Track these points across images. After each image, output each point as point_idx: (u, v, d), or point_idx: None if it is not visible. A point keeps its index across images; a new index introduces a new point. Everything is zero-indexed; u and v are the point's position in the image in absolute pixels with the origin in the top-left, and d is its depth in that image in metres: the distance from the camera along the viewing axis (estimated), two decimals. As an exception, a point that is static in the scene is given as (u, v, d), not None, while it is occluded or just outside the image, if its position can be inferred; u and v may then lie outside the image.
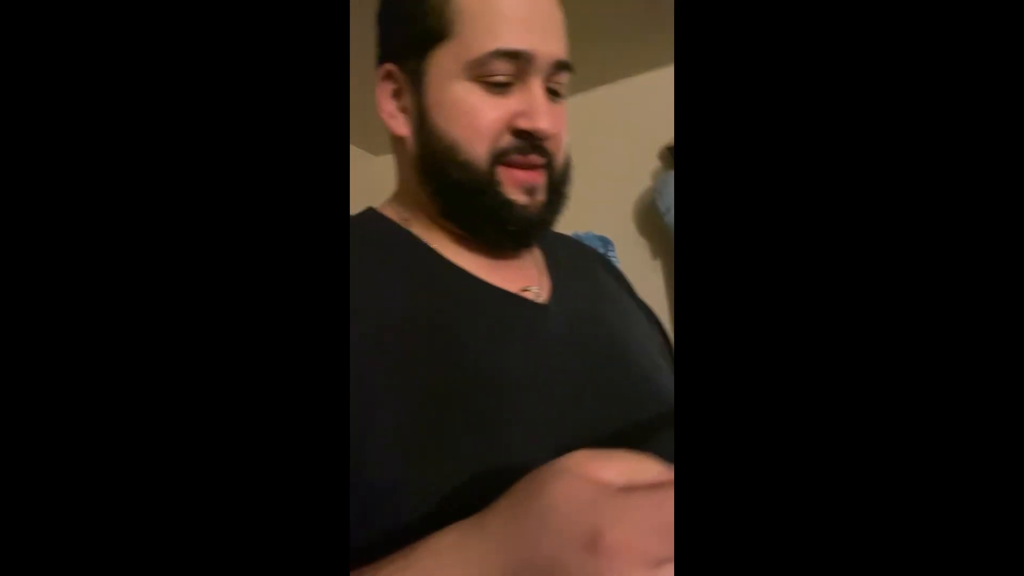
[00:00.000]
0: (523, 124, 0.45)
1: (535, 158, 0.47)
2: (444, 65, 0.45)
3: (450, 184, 0.47)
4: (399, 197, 0.54)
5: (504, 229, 0.48)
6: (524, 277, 0.52)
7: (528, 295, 0.50)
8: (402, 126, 0.50)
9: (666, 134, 1.63)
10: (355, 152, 2.43)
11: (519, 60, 0.44)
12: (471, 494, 0.32)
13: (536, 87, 0.46)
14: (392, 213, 0.53)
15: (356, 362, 0.36)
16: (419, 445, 0.37)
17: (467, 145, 0.46)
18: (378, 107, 0.50)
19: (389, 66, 0.49)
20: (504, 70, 0.45)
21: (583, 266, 0.60)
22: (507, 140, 0.46)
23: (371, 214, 0.53)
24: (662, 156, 1.70)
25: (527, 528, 0.26)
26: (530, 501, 0.26)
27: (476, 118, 0.45)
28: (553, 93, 0.48)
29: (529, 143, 0.46)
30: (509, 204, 0.47)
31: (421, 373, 0.40)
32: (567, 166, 0.51)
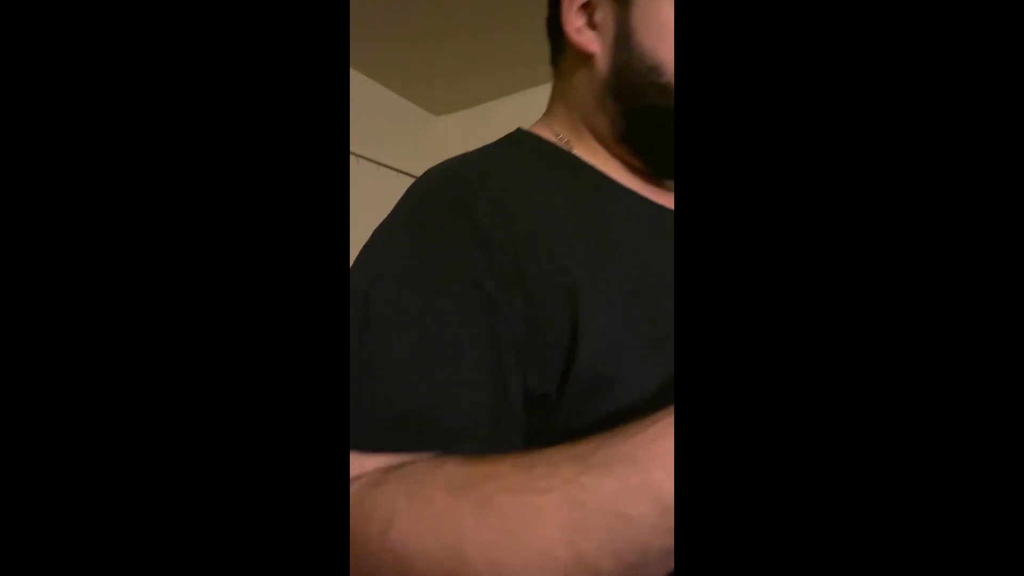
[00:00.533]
0: None
1: None
2: None
3: (645, 107, 0.46)
4: (556, 118, 0.53)
5: None
6: None
7: None
8: (593, 42, 0.48)
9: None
10: (418, 112, 2.47)
11: None
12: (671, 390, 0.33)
13: None
14: (548, 134, 0.52)
15: (551, 266, 0.38)
16: (629, 344, 0.39)
17: (669, 68, 0.45)
18: (563, 21, 0.49)
19: None
20: None
21: None
22: None
23: (524, 136, 0.52)
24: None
25: None
26: None
27: None
28: None
29: None
30: None
31: (619, 284, 0.41)
32: None
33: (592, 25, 0.48)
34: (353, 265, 0.40)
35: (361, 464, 0.33)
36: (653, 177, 0.51)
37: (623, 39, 0.46)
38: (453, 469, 0.32)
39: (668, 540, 0.28)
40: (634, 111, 0.47)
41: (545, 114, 0.55)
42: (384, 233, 0.42)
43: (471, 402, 0.36)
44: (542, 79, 2.10)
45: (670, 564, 0.29)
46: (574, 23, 0.48)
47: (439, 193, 0.43)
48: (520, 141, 0.51)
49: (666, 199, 0.51)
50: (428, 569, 0.29)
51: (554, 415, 0.38)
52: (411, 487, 0.31)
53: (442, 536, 0.30)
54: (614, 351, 0.38)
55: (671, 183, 0.52)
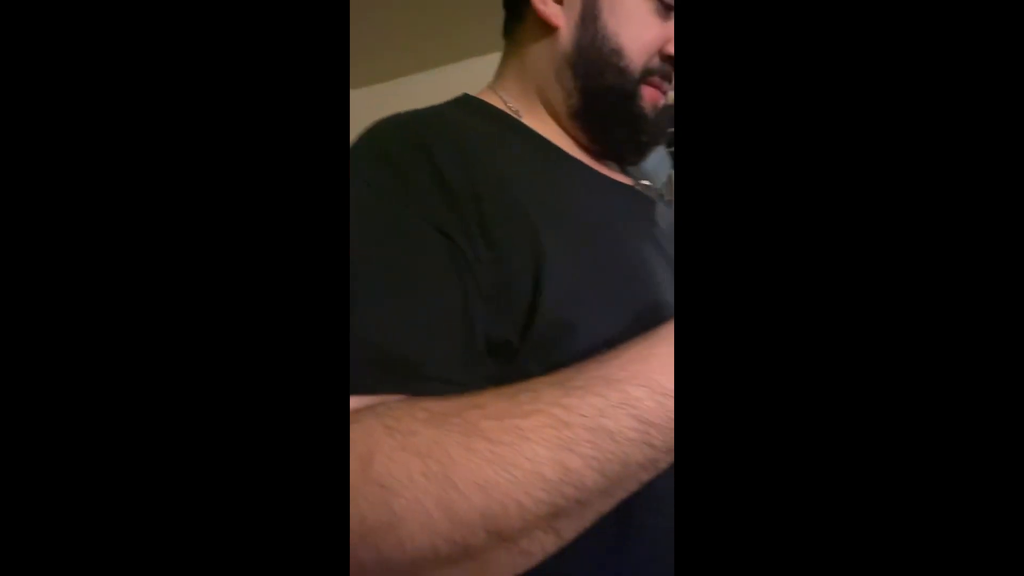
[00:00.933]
0: (672, 51, 0.49)
1: (667, 84, 0.51)
2: None
3: (602, 87, 0.49)
4: (506, 86, 0.54)
5: (635, 139, 0.52)
6: (622, 180, 0.55)
7: (637, 188, 0.55)
8: (559, 16, 0.49)
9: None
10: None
11: None
12: (631, 333, 0.35)
13: None
14: (497, 102, 0.52)
15: (513, 216, 0.40)
16: (588, 294, 0.41)
17: (630, 55, 0.48)
18: None
19: None
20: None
21: (646, 173, 0.64)
22: (655, 61, 0.49)
23: (472, 100, 0.52)
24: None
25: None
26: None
27: (645, 32, 0.48)
28: None
29: (670, 68, 0.50)
30: (644, 116, 0.51)
31: (577, 239, 0.43)
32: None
33: (559, 0, 0.50)
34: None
35: None
36: (598, 156, 0.54)
37: (589, 18, 0.48)
38: (431, 404, 0.33)
39: (647, 452, 0.30)
40: (591, 89, 0.49)
41: (493, 83, 0.55)
42: (355, 171, 0.41)
43: (442, 346, 0.36)
44: (448, 60, 2.10)
45: (646, 476, 0.31)
46: None
47: (399, 141, 0.43)
48: (468, 104, 0.52)
49: (604, 169, 0.53)
50: (415, 497, 0.29)
51: (516, 361, 0.39)
52: (389, 421, 0.32)
53: (428, 463, 0.30)
54: (574, 299, 0.40)
55: (613, 164, 0.55)
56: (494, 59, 0.57)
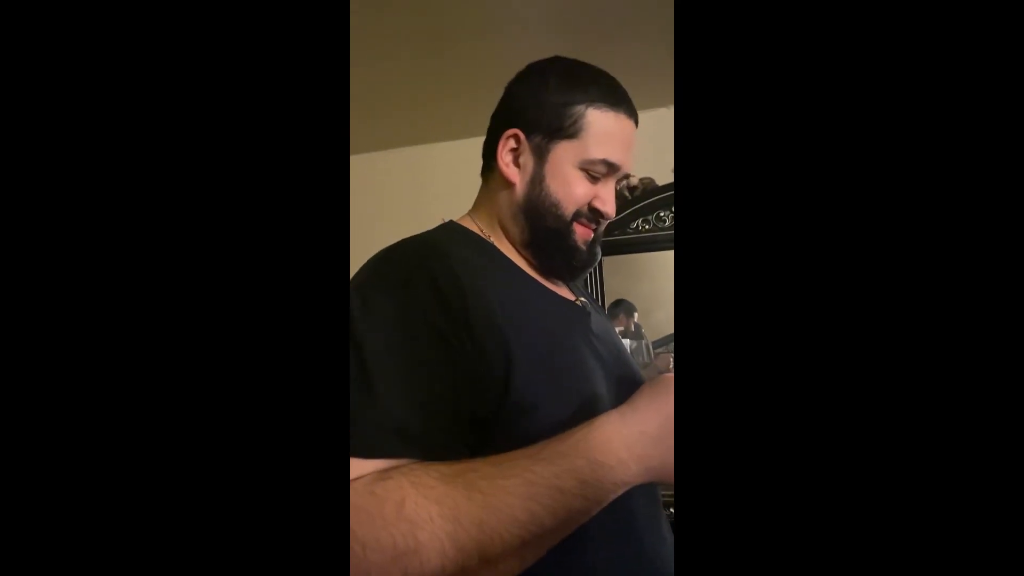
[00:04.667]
0: (598, 205, 0.70)
1: (594, 224, 0.71)
2: (565, 153, 0.68)
3: (544, 227, 0.69)
4: (480, 216, 0.74)
5: (569, 264, 0.71)
6: (566, 295, 0.74)
7: (578, 304, 0.74)
8: (515, 175, 0.70)
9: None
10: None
11: (611, 167, 0.69)
12: (589, 412, 0.52)
13: (611, 184, 0.71)
14: (473, 227, 0.73)
15: (490, 322, 0.55)
16: (545, 381, 0.56)
17: (564, 206, 0.69)
18: (497, 154, 0.71)
19: (515, 131, 0.70)
20: (601, 170, 0.69)
21: (583, 292, 0.85)
22: (585, 210, 0.70)
23: (456, 226, 0.72)
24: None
25: (660, 404, 0.49)
26: (661, 390, 0.50)
27: (576, 192, 0.68)
28: (617, 183, 0.73)
29: (596, 215, 0.70)
30: (576, 248, 0.70)
31: (535, 340, 0.58)
32: (602, 233, 0.75)
33: (516, 164, 0.70)
34: (351, 319, 0.55)
35: (361, 467, 0.47)
36: (545, 275, 0.73)
37: (536, 180, 0.69)
38: (441, 467, 0.47)
39: (583, 504, 0.46)
40: (536, 228, 0.70)
41: (472, 211, 0.76)
42: (366, 293, 0.57)
43: (439, 424, 0.51)
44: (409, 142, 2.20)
45: (583, 520, 0.48)
46: (504, 158, 0.70)
47: (407, 264, 0.59)
48: (453, 230, 0.72)
49: (557, 290, 0.73)
50: (432, 531, 0.44)
51: (488, 436, 0.53)
52: (413, 479, 0.46)
53: (442, 508, 0.45)
54: (536, 385, 0.55)
55: (558, 281, 0.75)
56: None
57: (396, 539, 0.42)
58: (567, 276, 0.75)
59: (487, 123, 0.74)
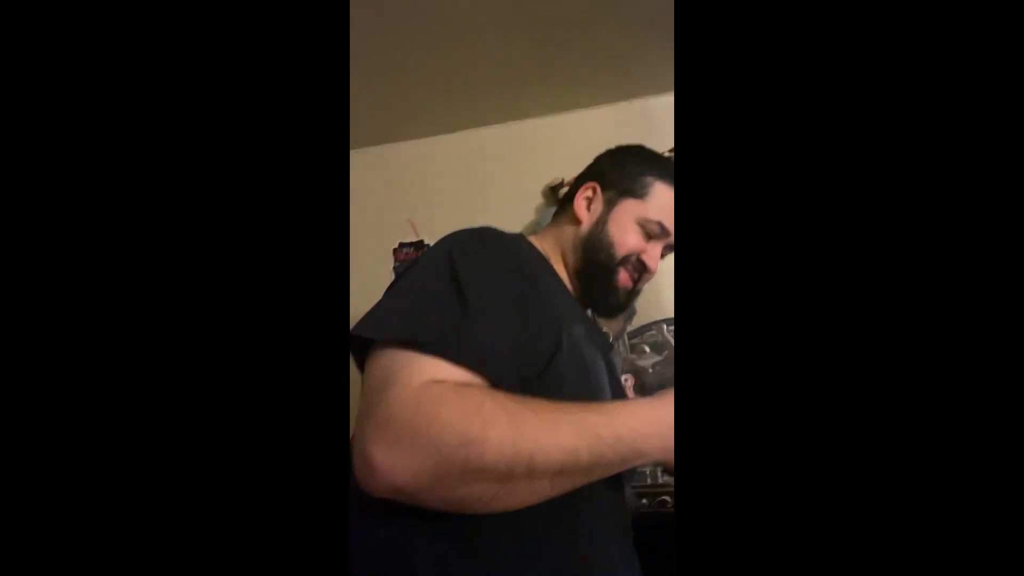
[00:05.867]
0: (645, 259, 0.86)
1: (636, 274, 0.87)
2: (629, 208, 0.87)
3: (596, 262, 0.86)
4: (546, 242, 0.91)
5: (606, 301, 0.88)
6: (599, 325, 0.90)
7: (604, 331, 0.94)
8: (585, 216, 0.89)
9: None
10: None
11: (663, 230, 0.86)
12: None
13: (659, 245, 0.87)
14: (539, 246, 0.86)
15: (548, 306, 0.66)
16: (575, 365, 0.67)
17: (617, 248, 0.85)
18: (575, 198, 0.91)
19: (594, 184, 0.90)
20: (655, 230, 0.86)
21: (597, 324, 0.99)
22: (632, 259, 0.86)
23: (526, 241, 0.83)
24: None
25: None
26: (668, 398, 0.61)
27: (629, 240, 0.86)
28: (664, 249, 0.89)
29: (641, 268, 0.87)
30: (616, 289, 0.87)
31: (575, 342, 0.69)
32: (642, 287, 0.90)
33: (588, 208, 0.90)
34: (450, 260, 0.64)
35: (443, 370, 0.54)
36: (584, 304, 0.89)
37: (600, 223, 0.88)
38: (511, 395, 0.55)
39: (612, 456, 0.55)
40: (590, 260, 0.87)
41: (538, 236, 0.94)
42: (466, 246, 0.66)
43: (509, 363, 0.59)
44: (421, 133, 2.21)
45: (605, 472, 0.57)
46: (580, 202, 0.90)
47: (498, 236, 0.71)
48: (525, 240, 0.84)
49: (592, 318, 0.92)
50: (502, 431, 0.51)
51: (528, 390, 0.60)
52: (490, 392, 0.54)
53: (512, 417, 0.52)
54: (568, 372, 0.66)
55: (592, 313, 0.92)
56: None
57: (470, 428, 0.50)
58: (602, 310, 0.93)
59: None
